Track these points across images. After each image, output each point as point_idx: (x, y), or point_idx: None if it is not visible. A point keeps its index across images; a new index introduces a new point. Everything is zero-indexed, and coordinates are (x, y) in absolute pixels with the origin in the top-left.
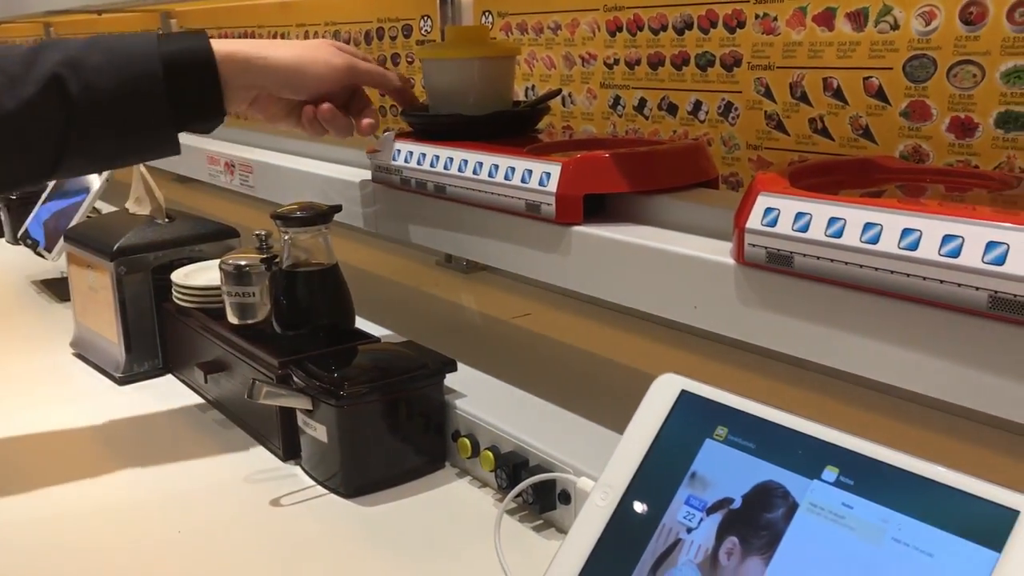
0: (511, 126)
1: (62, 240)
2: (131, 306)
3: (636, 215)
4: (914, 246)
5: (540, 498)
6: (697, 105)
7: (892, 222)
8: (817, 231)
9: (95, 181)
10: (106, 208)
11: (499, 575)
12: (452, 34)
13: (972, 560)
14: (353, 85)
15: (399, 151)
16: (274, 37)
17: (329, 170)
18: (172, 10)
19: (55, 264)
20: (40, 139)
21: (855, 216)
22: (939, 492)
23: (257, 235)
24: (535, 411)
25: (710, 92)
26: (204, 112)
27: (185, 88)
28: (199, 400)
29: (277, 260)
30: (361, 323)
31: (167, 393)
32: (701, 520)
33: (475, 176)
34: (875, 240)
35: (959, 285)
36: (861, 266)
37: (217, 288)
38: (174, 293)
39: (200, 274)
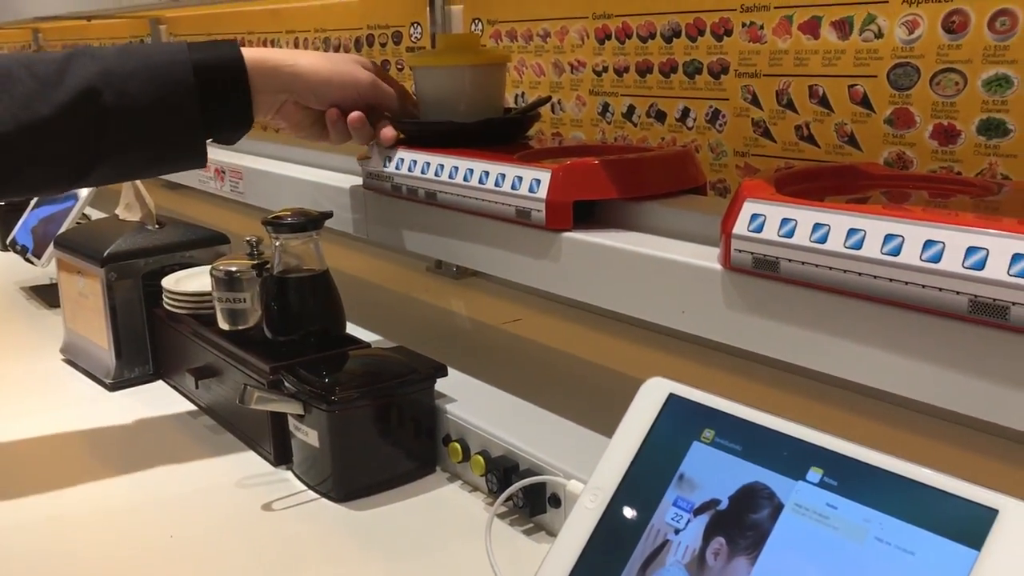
0: (501, 133)
1: (52, 246)
2: (121, 312)
3: (625, 221)
4: (896, 251)
5: (530, 501)
6: (685, 112)
7: (875, 228)
8: (802, 237)
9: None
10: (96, 214)
11: None
12: (443, 42)
13: (952, 558)
14: (373, 101)
15: (390, 158)
16: (264, 44)
17: (320, 176)
18: (161, 16)
19: (44, 270)
20: (72, 146)
21: (839, 222)
22: (920, 492)
23: (248, 241)
24: (525, 415)
25: (698, 99)
26: (233, 120)
27: (216, 96)
28: (190, 406)
29: (268, 266)
30: (352, 329)
31: (158, 399)
32: (689, 521)
33: (466, 183)
34: (858, 245)
35: (940, 289)
36: (845, 271)
37: (208, 294)
38: (165, 299)
39: (191, 280)
